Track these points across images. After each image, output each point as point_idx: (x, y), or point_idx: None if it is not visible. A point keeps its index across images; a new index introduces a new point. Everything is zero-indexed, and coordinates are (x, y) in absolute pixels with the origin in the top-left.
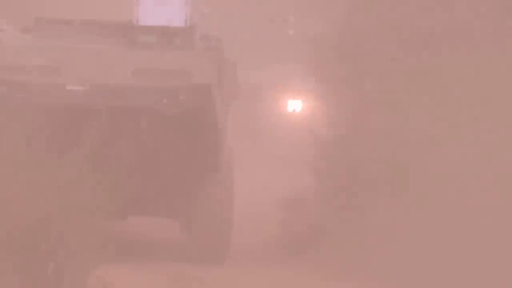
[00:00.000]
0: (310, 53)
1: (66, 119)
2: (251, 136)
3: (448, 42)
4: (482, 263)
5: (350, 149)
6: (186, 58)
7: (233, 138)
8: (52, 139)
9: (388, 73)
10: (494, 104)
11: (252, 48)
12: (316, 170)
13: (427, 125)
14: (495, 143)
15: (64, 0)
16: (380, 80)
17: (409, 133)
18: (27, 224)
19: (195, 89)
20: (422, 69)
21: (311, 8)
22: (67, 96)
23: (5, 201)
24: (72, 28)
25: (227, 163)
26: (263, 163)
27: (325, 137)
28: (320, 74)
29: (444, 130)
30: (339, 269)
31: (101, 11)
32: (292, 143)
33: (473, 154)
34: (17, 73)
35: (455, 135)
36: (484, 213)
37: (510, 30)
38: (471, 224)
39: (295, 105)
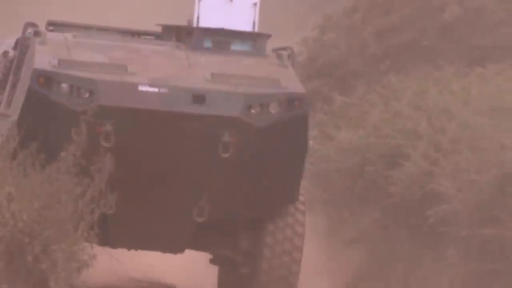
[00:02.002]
0: None
1: (139, 122)
2: None
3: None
4: None
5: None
6: (270, 65)
7: None
8: (122, 143)
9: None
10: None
11: None
12: None
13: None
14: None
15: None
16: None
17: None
18: (12, 236)
19: (290, 98)
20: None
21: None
22: (141, 98)
23: None
24: (107, 31)
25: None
26: None
27: None
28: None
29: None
30: None
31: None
32: None
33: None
34: (82, 69)
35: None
36: None
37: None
38: None
39: None
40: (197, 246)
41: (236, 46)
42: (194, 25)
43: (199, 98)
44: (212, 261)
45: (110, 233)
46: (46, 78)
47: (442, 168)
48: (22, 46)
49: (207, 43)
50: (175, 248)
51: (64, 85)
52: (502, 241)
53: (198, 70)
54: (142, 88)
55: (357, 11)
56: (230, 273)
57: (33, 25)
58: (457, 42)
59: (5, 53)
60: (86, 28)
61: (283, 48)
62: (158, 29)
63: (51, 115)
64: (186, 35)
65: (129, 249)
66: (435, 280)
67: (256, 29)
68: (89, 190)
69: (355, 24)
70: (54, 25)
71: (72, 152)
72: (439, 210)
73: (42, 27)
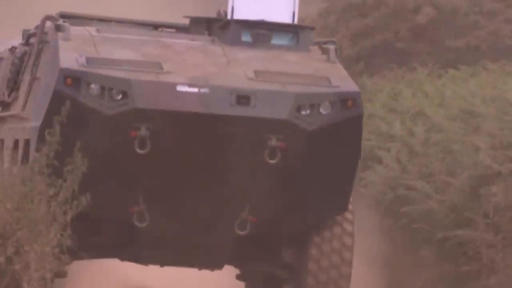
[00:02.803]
0: None
1: (177, 126)
2: None
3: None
4: None
5: None
6: (316, 61)
7: None
8: (159, 149)
9: None
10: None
11: None
12: None
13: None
14: None
15: None
16: None
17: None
18: None
19: (342, 98)
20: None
21: None
22: (179, 99)
23: None
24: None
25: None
26: None
27: None
28: None
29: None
30: None
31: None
32: None
33: None
34: (114, 68)
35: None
36: None
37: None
38: None
39: None
40: (235, 260)
41: (276, 40)
42: (228, 16)
43: (243, 98)
44: (239, 277)
45: (142, 248)
46: (74, 79)
47: (415, 170)
48: (40, 42)
49: (246, 37)
50: (214, 264)
51: (94, 86)
52: (476, 243)
53: (239, 68)
54: (180, 88)
55: (332, 13)
56: None
57: (52, 18)
58: (431, 44)
59: (13, 48)
60: (103, 20)
61: (327, 42)
62: (184, 22)
63: (79, 120)
64: (220, 28)
65: (162, 265)
66: (410, 280)
67: (296, 21)
68: (61, 191)
69: (330, 26)
70: (67, 18)
71: (46, 153)
72: (413, 209)
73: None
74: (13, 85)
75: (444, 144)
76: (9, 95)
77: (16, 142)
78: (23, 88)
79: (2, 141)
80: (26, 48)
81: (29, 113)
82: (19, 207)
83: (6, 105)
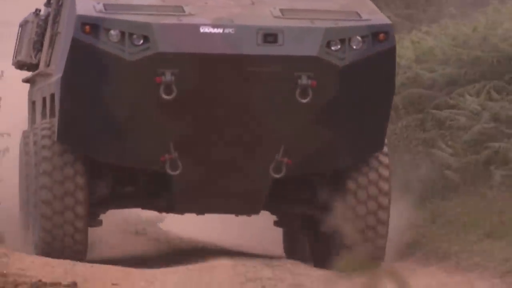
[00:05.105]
0: None
1: (203, 69)
2: None
3: None
4: None
5: None
6: None
7: None
8: (185, 94)
9: None
10: None
11: None
12: None
13: None
14: None
15: None
16: None
17: None
18: None
19: (374, 31)
20: None
21: None
22: (204, 41)
23: None
24: None
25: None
26: None
27: None
28: None
29: None
30: None
31: None
32: None
33: None
34: (133, 12)
35: None
36: None
37: None
38: None
39: None
40: (271, 205)
41: None
42: None
43: (270, 36)
44: (277, 223)
45: (176, 197)
46: (92, 26)
47: None
48: None
49: None
50: (251, 209)
51: (114, 32)
52: None
53: (264, 7)
54: (204, 29)
55: None
56: (298, 235)
57: None
58: None
59: (37, 11)
60: None
61: None
62: None
63: (101, 68)
64: None
65: (197, 213)
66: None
67: None
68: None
69: None
70: None
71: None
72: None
73: None
74: (40, 47)
75: None
76: (35, 57)
77: (44, 100)
78: (46, 45)
79: (34, 103)
80: (49, 9)
81: (53, 68)
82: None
83: (34, 67)
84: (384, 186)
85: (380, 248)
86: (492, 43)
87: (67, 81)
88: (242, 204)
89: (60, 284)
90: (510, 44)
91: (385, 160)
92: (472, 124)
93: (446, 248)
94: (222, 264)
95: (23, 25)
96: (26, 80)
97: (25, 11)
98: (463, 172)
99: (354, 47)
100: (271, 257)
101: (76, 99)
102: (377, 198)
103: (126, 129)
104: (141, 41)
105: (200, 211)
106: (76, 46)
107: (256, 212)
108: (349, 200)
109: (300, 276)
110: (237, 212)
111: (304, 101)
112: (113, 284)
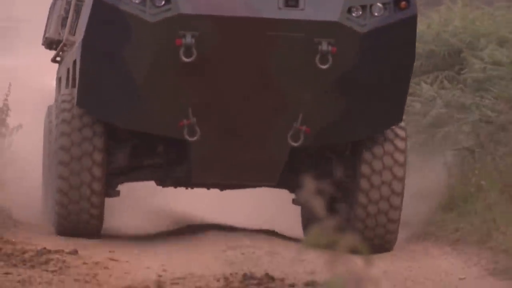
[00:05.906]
0: None
1: (223, 32)
2: None
3: None
4: None
5: None
6: None
7: None
8: (205, 57)
9: None
10: None
11: None
12: None
13: None
14: None
15: None
16: None
17: None
18: None
19: None
20: None
21: None
22: (225, 4)
23: None
24: None
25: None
26: None
27: None
28: None
29: None
30: None
31: None
32: None
33: None
34: None
35: None
36: None
37: None
38: None
39: None
40: (287, 181)
41: None
42: None
43: (292, 1)
44: (295, 202)
45: (193, 165)
46: None
47: None
48: None
49: None
50: (268, 178)
51: None
52: None
53: None
54: None
55: None
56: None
57: None
58: None
59: None
60: None
61: None
62: None
63: (122, 29)
64: None
65: (213, 184)
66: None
67: None
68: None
69: None
70: None
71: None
72: None
73: None
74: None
75: None
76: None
77: (68, 71)
78: (71, 14)
79: (60, 79)
80: None
81: (77, 36)
82: None
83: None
84: (400, 157)
85: (396, 208)
86: (444, 38)
87: (88, 43)
88: (259, 173)
89: (62, 251)
90: (460, 39)
91: (402, 133)
92: (427, 110)
93: (404, 219)
94: (207, 234)
95: (53, 3)
96: (54, 59)
97: (34, 7)
98: (418, 153)
99: (376, 14)
100: (251, 229)
101: (96, 61)
102: (392, 169)
103: (145, 92)
104: (163, 2)
105: (216, 179)
106: (97, 7)
107: (273, 181)
108: (364, 171)
109: (277, 246)
110: (254, 180)
111: (324, 67)
112: (110, 251)
